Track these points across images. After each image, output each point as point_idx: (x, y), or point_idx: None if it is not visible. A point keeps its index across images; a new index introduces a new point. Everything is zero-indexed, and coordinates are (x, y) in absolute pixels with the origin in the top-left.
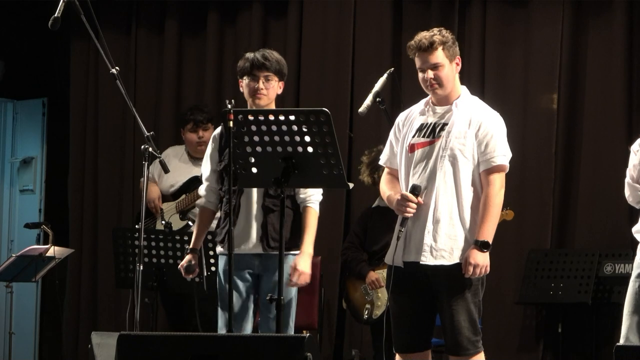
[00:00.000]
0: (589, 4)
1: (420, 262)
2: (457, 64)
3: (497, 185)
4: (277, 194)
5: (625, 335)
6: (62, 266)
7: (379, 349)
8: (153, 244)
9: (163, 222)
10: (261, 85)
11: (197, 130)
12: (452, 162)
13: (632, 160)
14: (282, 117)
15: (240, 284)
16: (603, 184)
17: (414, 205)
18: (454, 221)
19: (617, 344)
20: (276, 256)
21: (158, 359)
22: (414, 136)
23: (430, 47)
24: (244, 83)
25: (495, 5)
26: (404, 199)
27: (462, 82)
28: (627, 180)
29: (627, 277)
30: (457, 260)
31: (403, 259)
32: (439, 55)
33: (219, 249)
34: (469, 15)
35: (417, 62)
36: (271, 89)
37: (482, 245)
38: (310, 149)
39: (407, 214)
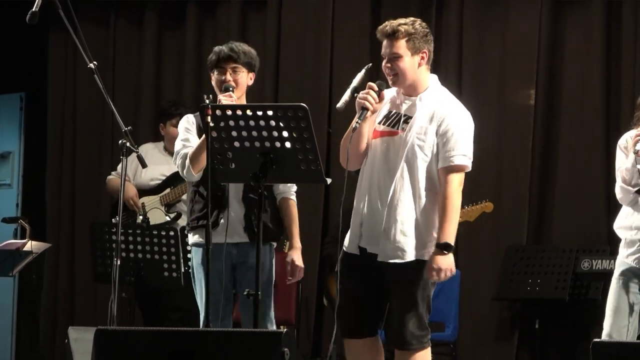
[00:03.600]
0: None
1: (378, 259)
2: (423, 58)
3: (455, 184)
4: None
5: (608, 333)
6: (39, 261)
7: None
8: (130, 238)
9: (141, 216)
10: (228, 77)
11: (175, 125)
12: (410, 158)
13: (622, 159)
14: (260, 112)
15: (219, 275)
16: (580, 180)
17: (375, 95)
18: (410, 218)
19: (595, 339)
20: (246, 245)
21: (135, 354)
22: (380, 122)
23: (393, 35)
24: (213, 77)
25: (472, 1)
26: (369, 88)
27: (440, 77)
28: (620, 183)
29: (604, 273)
30: (411, 258)
31: (359, 243)
32: (401, 46)
33: (193, 238)
34: (446, 10)
35: (382, 48)
36: (240, 81)
37: (443, 248)
38: (288, 144)
39: (366, 103)
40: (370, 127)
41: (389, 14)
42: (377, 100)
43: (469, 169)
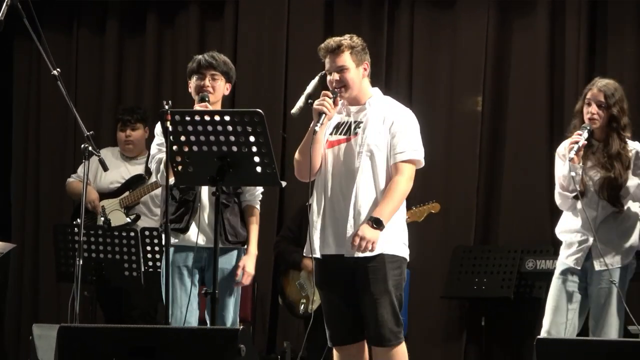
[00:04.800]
0: (513, 7)
1: (345, 256)
2: (365, 69)
3: (406, 174)
4: (230, 191)
5: (547, 330)
6: (4, 261)
7: (312, 341)
8: (92, 239)
9: (102, 218)
10: (207, 82)
11: (125, 130)
12: (369, 157)
13: (559, 167)
14: (217, 118)
15: (187, 275)
16: (525, 184)
17: (330, 102)
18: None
19: (538, 336)
20: (226, 249)
21: (97, 350)
22: (331, 133)
23: (338, 49)
24: (192, 83)
25: (422, 9)
26: (324, 95)
27: (391, 83)
28: (558, 189)
29: (547, 272)
30: (379, 251)
31: (323, 251)
32: (346, 59)
33: (173, 240)
34: (397, 18)
35: (326, 65)
36: (217, 88)
37: (374, 222)
38: (244, 149)
39: (323, 109)
40: (323, 139)
41: (342, 23)
42: (333, 107)
43: (422, 163)
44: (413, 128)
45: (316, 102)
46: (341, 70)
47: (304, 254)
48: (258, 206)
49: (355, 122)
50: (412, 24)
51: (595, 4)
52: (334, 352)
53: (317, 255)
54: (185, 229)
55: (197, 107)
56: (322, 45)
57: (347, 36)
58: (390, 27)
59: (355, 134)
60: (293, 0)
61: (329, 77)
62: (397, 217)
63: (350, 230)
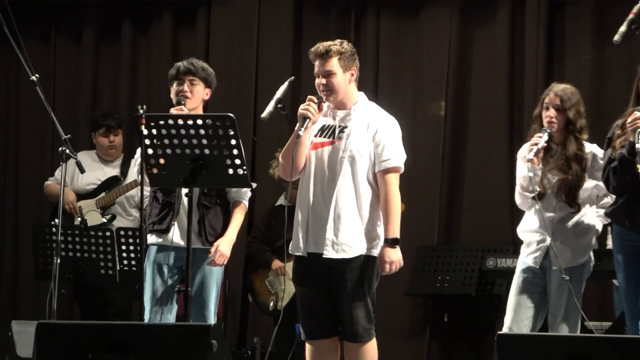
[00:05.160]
0: (474, 17)
1: (323, 256)
2: (352, 75)
3: (394, 184)
4: (211, 193)
5: (509, 326)
6: None
7: (281, 337)
8: (70, 239)
9: (79, 218)
10: (186, 87)
11: (108, 135)
12: (351, 163)
13: (520, 168)
14: (190, 122)
15: (167, 274)
16: (486, 185)
17: (315, 107)
18: (354, 217)
19: (499, 332)
20: (207, 250)
21: (74, 346)
22: (316, 135)
23: (326, 54)
24: (172, 88)
25: (388, 18)
26: (310, 99)
27: (357, 88)
28: (518, 190)
29: (508, 270)
30: (356, 254)
31: (307, 250)
32: (334, 64)
33: (150, 239)
34: (364, 26)
35: (315, 68)
36: (196, 92)
37: (392, 242)
38: (216, 152)
39: (308, 113)
40: (308, 141)
41: (310, 32)
42: (318, 111)
43: (403, 169)
44: (396, 136)
45: (301, 106)
46: (328, 74)
47: (290, 252)
48: (245, 202)
49: (340, 126)
50: (378, 32)
51: (553, 13)
52: (307, 345)
53: (302, 253)
54: (167, 230)
55: (173, 110)
56: (312, 49)
57: (337, 41)
58: (357, 35)
59: (340, 138)
60: (263, 9)
61: (316, 81)
62: (375, 219)
63: (329, 231)
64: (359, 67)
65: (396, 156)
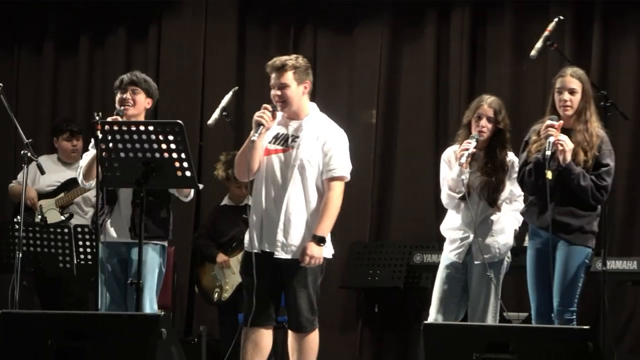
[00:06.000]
0: (403, 33)
1: (274, 256)
2: (306, 88)
3: (337, 191)
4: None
5: (434, 316)
6: None
7: (224, 325)
8: (31, 235)
9: (39, 216)
10: (128, 95)
11: (71, 140)
12: (301, 171)
13: (446, 170)
14: (142, 128)
15: (117, 269)
16: (414, 187)
17: (269, 114)
18: (303, 221)
19: (425, 322)
20: (133, 244)
21: (35, 334)
22: (270, 142)
23: (282, 68)
24: (117, 97)
25: (324, 34)
26: (264, 107)
27: None
28: (446, 191)
29: (433, 265)
30: None
31: (260, 248)
32: (288, 77)
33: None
34: (302, 41)
35: (271, 80)
36: (138, 101)
37: (319, 240)
38: (166, 155)
39: (262, 120)
40: (262, 146)
41: (253, 46)
42: (271, 119)
43: (349, 178)
44: (343, 147)
45: (256, 113)
46: (283, 87)
47: (245, 249)
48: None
49: (292, 135)
50: (315, 46)
51: (476, 30)
52: (244, 332)
53: (257, 250)
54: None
55: (109, 118)
56: (270, 62)
57: (293, 56)
58: (296, 49)
59: (291, 147)
60: (209, 25)
61: (272, 92)
62: None
63: (280, 234)
64: (312, 81)
65: (342, 166)
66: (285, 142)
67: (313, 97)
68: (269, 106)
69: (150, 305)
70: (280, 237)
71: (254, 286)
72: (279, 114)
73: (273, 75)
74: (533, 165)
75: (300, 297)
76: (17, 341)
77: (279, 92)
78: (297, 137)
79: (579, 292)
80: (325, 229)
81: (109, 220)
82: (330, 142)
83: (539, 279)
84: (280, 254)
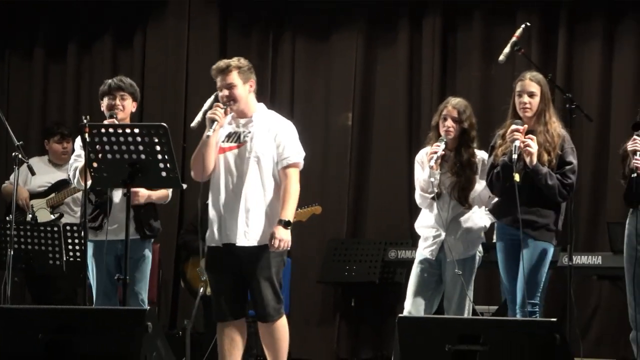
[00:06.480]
0: (378, 39)
1: (236, 244)
2: (251, 86)
3: (294, 178)
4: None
5: (408, 310)
6: None
7: (210, 319)
8: (22, 233)
9: (30, 215)
10: (118, 102)
11: (62, 142)
12: (257, 162)
13: (419, 171)
14: (128, 130)
15: (112, 266)
16: (388, 186)
17: (221, 112)
18: (262, 210)
19: (400, 315)
20: (136, 241)
21: (26, 327)
22: (223, 141)
23: (227, 69)
24: (104, 103)
25: (302, 40)
26: (216, 106)
27: (275, 102)
28: (418, 191)
29: (407, 261)
30: (265, 242)
31: (222, 241)
32: (234, 77)
33: (90, 236)
34: (281, 47)
35: (217, 82)
36: (126, 106)
37: (285, 224)
38: (151, 157)
39: (215, 117)
40: (216, 145)
41: (234, 51)
42: (224, 115)
43: (302, 165)
44: (294, 136)
45: (209, 112)
46: (230, 87)
47: (207, 244)
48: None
49: (244, 132)
50: (294, 52)
51: (447, 36)
52: (218, 328)
53: (218, 244)
54: (99, 227)
55: (106, 122)
56: (214, 66)
57: (235, 58)
58: (275, 55)
59: (245, 142)
60: (192, 32)
61: (219, 93)
62: (279, 211)
63: (241, 223)
64: (255, 80)
65: (295, 153)
66: (238, 138)
67: (292, 101)
68: (220, 105)
69: (145, 299)
70: (241, 226)
71: (222, 282)
72: (230, 115)
73: (219, 78)
74: (500, 168)
75: (265, 288)
76: (8, 334)
77: (227, 92)
78: (249, 132)
79: (543, 287)
80: (289, 213)
81: (106, 219)
82: (282, 133)
83: (510, 272)
84: (241, 242)
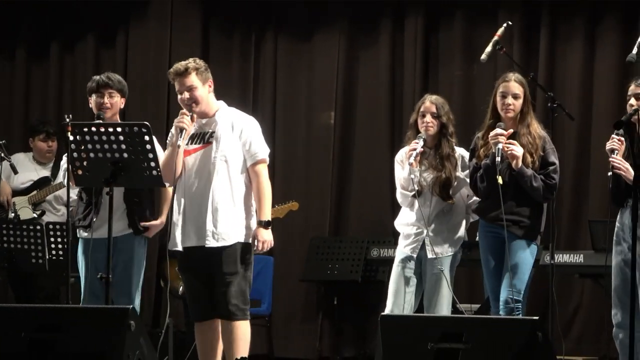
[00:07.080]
0: (360, 39)
1: (205, 246)
2: (210, 86)
3: (264, 174)
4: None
5: (390, 308)
6: None
7: (190, 318)
8: (4, 231)
9: (12, 213)
10: (106, 100)
11: (47, 140)
12: (224, 161)
13: (399, 170)
14: (111, 129)
15: (101, 264)
16: (370, 184)
17: (189, 119)
18: (230, 209)
19: (382, 313)
20: (129, 237)
21: (9, 326)
22: (187, 144)
23: (185, 72)
24: (92, 100)
25: (284, 40)
26: (182, 113)
27: (258, 102)
28: (400, 190)
29: (389, 259)
30: (234, 241)
31: (183, 244)
32: (193, 79)
33: (79, 233)
34: (263, 47)
35: (176, 86)
36: (114, 103)
37: (265, 224)
38: (134, 155)
39: (183, 125)
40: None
41: (216, 52)
42: (191, 122)
43: (268, 160)
44: (258, 132)
45: (176, 120)
46: (190, 89)
47: (169, 248)
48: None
49: (208, 132)
50: (276, 52)
51: (429, 35)
52: (195, 328)
53: (179, 248)
54: (89, 226)
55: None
56: (171, 69)
57: (190, 60)
58: (257, 55)
59: (210, 142)
60: (174, 32)
61: (180, 97)
62: (249, 209)
63: (209, 223)
64: (212, 79)
65: (262, 149)
66: (203, 139)
67: (274, 101)
68: (186, 111)
69: (138, 296)
70: (209, 226)
71: (194, 283)
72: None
73: (177, 81)
74: (484, 170)
75: (229, 284)
76: None
77: (188, 95)
78: (214, 132)
79: (526, 286)
80: (267, 212)
81: (95, 218)
82: (247, 130)
83: (493, 270)
84: (210, 242)
